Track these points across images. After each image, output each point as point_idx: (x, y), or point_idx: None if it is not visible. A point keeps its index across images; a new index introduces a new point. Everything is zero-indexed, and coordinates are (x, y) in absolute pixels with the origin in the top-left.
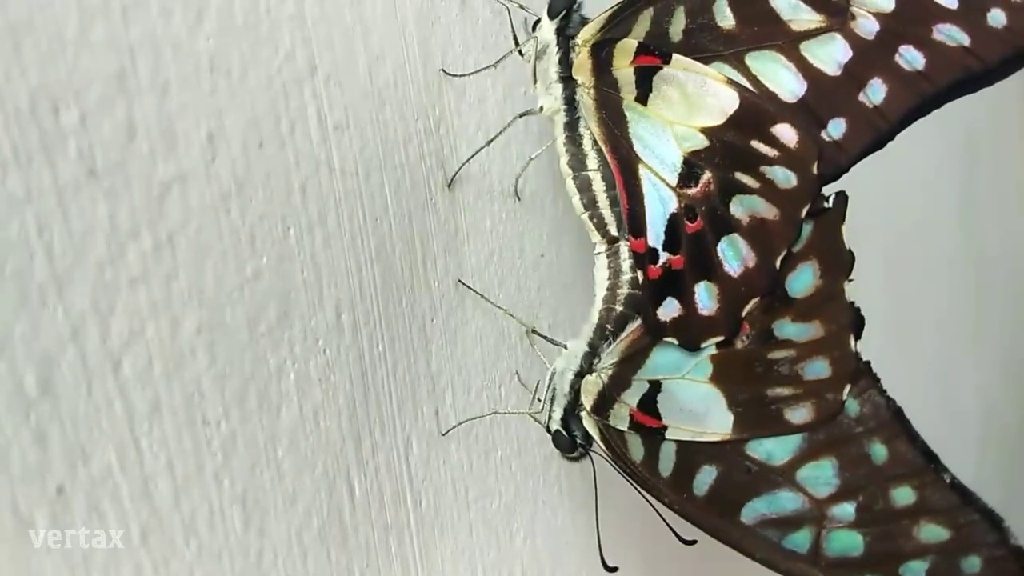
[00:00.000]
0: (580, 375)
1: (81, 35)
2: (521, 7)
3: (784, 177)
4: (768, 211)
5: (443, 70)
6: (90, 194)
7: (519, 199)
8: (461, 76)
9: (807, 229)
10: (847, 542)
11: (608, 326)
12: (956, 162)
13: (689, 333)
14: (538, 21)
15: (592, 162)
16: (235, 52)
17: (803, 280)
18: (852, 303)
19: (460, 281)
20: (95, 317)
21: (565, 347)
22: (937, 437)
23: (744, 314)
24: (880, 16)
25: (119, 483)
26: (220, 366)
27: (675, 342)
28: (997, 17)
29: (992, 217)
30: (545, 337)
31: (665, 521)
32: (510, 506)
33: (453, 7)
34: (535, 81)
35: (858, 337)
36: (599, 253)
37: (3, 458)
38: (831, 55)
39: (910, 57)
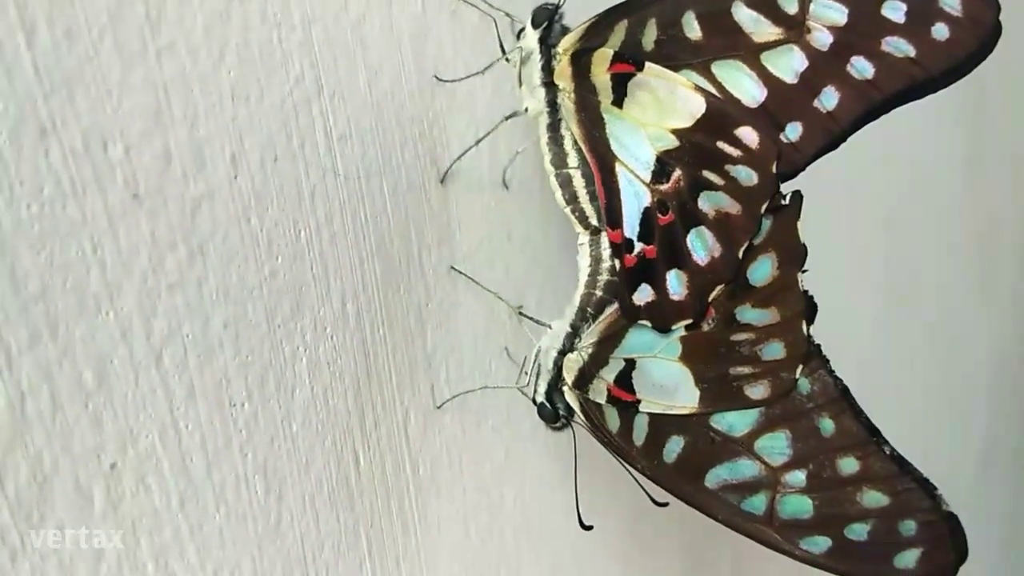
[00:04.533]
0: (563, 353)
1: (123, 79)
2: (507, 15)
3: (747, 175)
4: (732, 206)
5: (436, 76)
6: (134, 215)
7: (507, 188)
8: (452, 81)
9: (767, 224)
10: (798, 506)
11: (589, 309)
12: (963, 109)
13: (661, 316)
14: (523, 29)
15: (573, 160)
16: (253, 81)
17: (762, 270)
18: (806, 291)
19: (452, 267)
20: (140, 319)
21: (550, 327)
22: (947, 389)
23: (710, 300)
24: (833, 29)
25: (161, 459)
26: (243, 355)
27: (648, 324)
28: (941, 31)
29: (999, 168)
30: (531, 318)
31: (640, 484)
32: (500, 470)
33: (444, 17)
34: (520, 85)
35: (810, 323)
36: (582, 244)
37: (66, 441)
38: (789, 65)
39: (860, 67)
